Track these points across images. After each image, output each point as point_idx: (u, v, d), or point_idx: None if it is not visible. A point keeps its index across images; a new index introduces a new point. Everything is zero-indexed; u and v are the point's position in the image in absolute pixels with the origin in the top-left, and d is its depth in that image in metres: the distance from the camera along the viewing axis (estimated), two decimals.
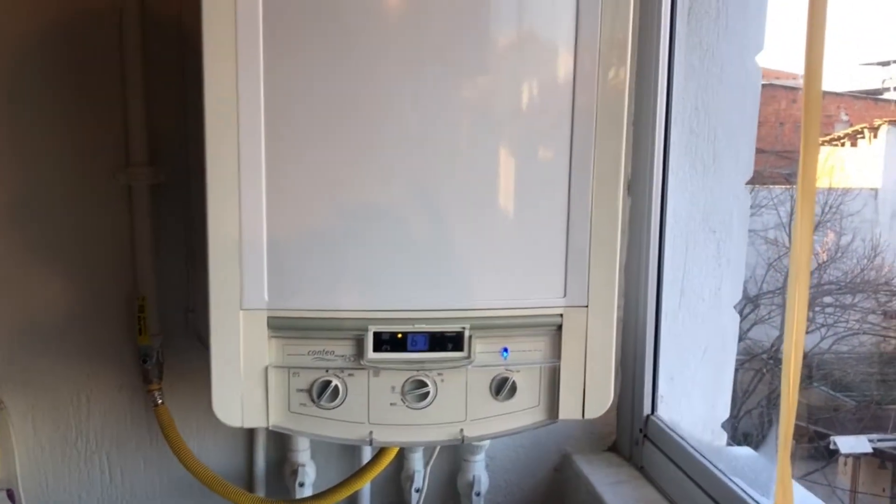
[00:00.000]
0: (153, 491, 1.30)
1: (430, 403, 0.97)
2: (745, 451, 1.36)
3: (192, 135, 1.17)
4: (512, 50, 0.94)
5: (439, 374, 0.97)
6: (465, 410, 0.98)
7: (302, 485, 1.25)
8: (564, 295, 0.97)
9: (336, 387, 0.96)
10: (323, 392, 0.96)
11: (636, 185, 1.28)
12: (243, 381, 0.95)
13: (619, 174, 0.95)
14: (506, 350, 0.98)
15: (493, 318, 0.96)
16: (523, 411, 1.00)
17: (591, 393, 0.99)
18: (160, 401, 1.22)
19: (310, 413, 0.97)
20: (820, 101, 0.81)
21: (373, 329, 0.95)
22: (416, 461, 1.29)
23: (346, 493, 1.16)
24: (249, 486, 1.30)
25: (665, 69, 1.23)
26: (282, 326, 0.94)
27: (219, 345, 0.94)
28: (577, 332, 0.98)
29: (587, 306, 0.97)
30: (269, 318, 0.94)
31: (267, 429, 0.97)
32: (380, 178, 0.93)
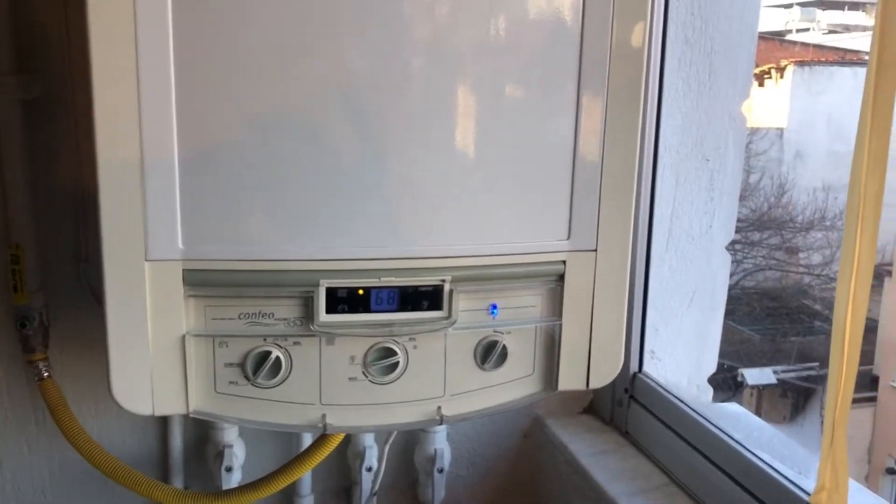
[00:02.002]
0: (41, 483, 1.05)
1: (400, 376, 0.76)
2: (734, 407, 1.21)
3: (76, 29, 0.91)
4: None
5: (411, 340, 0.76)
6: (443, 384, 0.78)
7: (229, 470, 1.03)
8: (568, 237, 0.77)
9: (277, 359, 0.74)
10: (260, 366, 0.74)
11: None
12: (152, 355, 0.72)
13: (639, 81, 0.75)
14: (494, 307, 0.78)
15: (480, 268, 0.75)
16: (514, 382, 0.80)
17: (597, 358, 0.80)
18: (46, 373, 0.97)
19: (243, 394, 0.75)
20: None
21: (326, 284, 0.73)
22: (367, 436, 1.09)
23: (285, 482, 0.94)
24: (164, 474, 1.07)
25: None
26: (203, 282, 0.71)
27: (117, 309, 0.71)
28: (582, 284, 0.78)
29: (596, 251, 0.77)
30: (185, 271, 0.71)
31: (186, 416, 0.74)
32: (334, 81, 0.70)
